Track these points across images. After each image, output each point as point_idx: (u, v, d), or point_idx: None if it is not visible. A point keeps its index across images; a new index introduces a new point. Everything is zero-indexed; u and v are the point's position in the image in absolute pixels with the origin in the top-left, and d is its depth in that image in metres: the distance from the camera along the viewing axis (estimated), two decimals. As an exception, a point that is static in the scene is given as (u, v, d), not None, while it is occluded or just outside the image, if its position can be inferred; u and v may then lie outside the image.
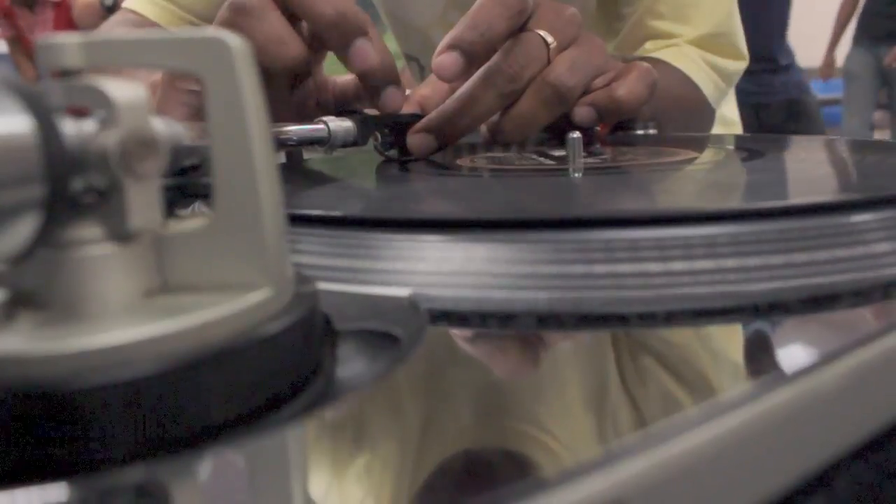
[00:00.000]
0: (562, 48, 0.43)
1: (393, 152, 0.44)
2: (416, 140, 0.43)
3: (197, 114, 0.42)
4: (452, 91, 0.44)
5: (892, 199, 0.23)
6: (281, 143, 0.39)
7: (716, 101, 0.70)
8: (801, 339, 0.19)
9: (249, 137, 0.16)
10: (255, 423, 0.15)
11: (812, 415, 0.16)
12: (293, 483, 0.14)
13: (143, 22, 0.71)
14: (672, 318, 0.20)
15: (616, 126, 0.54)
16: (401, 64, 0.81)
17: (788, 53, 2.60)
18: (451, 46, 0.41)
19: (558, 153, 0.43)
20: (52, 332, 0.14)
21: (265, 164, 0.16)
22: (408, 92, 0.47)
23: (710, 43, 0.70)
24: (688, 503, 0.14)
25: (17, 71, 2.80)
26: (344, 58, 0.42)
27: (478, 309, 0.21)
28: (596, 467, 0.13)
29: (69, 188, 0.15)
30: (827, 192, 0.28)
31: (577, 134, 0.41)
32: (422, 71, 0.82)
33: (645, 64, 0.48)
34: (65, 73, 0.16)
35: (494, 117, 0.44)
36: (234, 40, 0.16)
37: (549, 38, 0.43)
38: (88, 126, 0.15)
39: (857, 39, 3.35)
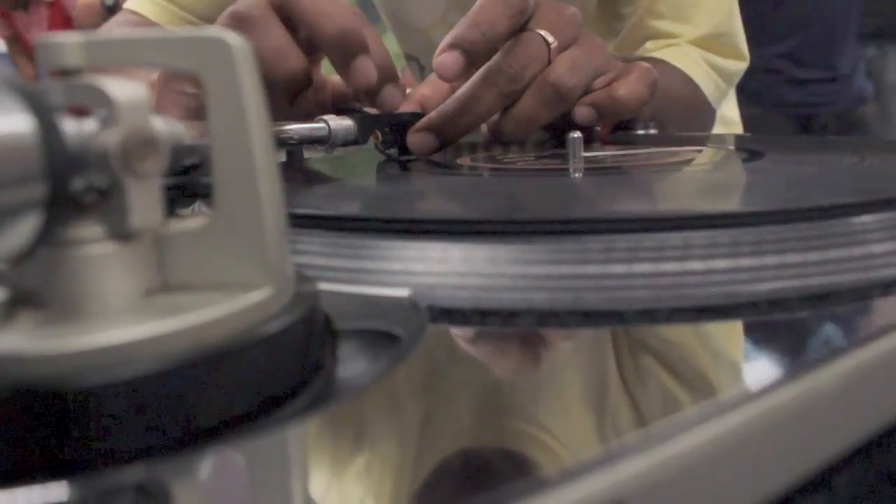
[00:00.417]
0: (562, 48, 0.43)
1: (393, 151, 0.44)
2: (416, 139, 0.43)
3: (192, 115, 0.42)
4: (453, 90, 0.44)
5: (891, 200, 0.23)
6: (281, 142, 0.39)
7: (716, 100, 0.70)
8: (801, 340, 0.19)
9: (250, 137, 0.16)
10: (256, 422, 0.15)
11: (812, 415, 0.16)
12: (293, 482, 0.14)
13: (143, 22, 0.71)
14: (672, 317, 0.20)
15: (616, 126, 0.54)
16: (401, 64, 0.81)
17: (852, 60, 2.32)
18: (453, 46, 0.41)
19: (559, 153, 0.43)
20: (52, 331, 0.14)
21: (265, 163, 0.16)
22: (408, 91, 0.47)
23: (711, 43, 0.70)
24: (688, 503, 0.14)
25: (16, 70, 2.80)
26: (344, 73, 0.42)
27: (478, 308, 0.21)
28: (596, 467, 0.13)
29: (70, 187, 0.15)
30: (826, 193, 0.28)
31: (577, 134, 0.41)
32: (422, 71, 0.82)
33: (645, 64, 0.48)
34: (65, 73, 0.16)
35: (495, 117, 0.44)
36: (234, 39, 0.16)
37: (550, 38, 0.43)
38: (89, 125, 0.15)
39: None
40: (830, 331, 0.20)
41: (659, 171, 0.36)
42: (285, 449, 0.15)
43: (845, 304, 0.20)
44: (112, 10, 2.37)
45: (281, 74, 0.40)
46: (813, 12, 2.04)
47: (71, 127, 0.15)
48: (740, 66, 0.73)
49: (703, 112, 0.70)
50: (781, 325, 0.20)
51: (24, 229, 0.14)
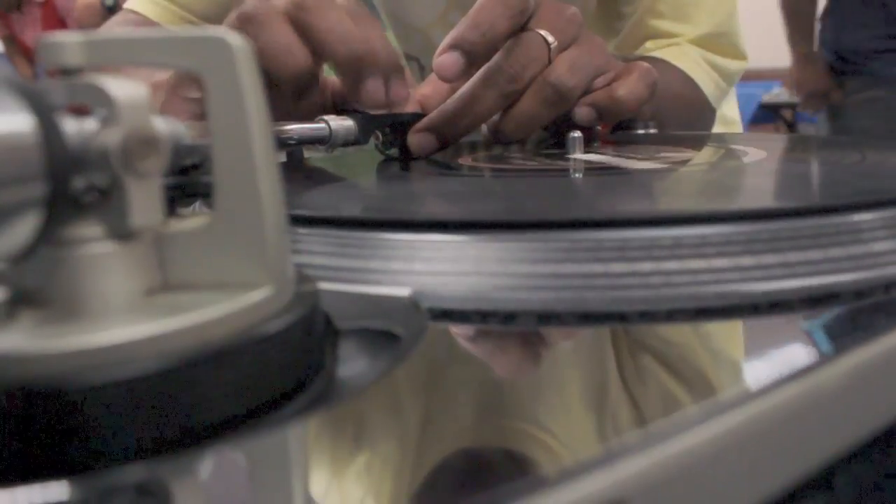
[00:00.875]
0: (563, 48, 0.43)
1: (393, 151, 0.44)
2: (416, 139, 0.43)
3: (198, 119, 0.42)
4: (453, 90, 0.44)
5: (892, 199, 0.23)
6: (282, 143, 0.39)
7: (716, 100, 0.70)
8: (802, 339, 0.19)
9: (250, 136, 0.16)
10: (256, 421, 0.15)
11: (812, 414, 0.16)
12: (294, 481, 0.14)
13: (144, 22, 0.71)
14: (672, 316, 0.20)
15: (617, 125, 0.54)
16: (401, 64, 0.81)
17: None
18: (453, 46, 0.41)
19: (559, 152, 0.43)
20: (53, 331, 0.14)
21: (266, 162, 0.16)
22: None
23: (711, 42, 0.70)
24: (688, 502, 0.14)
25: (14, 70, 2.80)
26: (354, 93, 0.42)
27: (478, 308, 0.21)
28: (596, 466, 0.13)
29: (70, 186, 0.15)
30: (828, 191, 0.28)
31: (577, 133, 0.41)
32: (422, 71, 0.82)
33: (645, 64, 0.48)
34: (66, 72, 0.16)
35: (495, 117, 0.44)
36: (235, 39, 0.16)
37: (550, 38, 0.43)
38: (89, 124, 0.15)
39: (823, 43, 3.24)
40: (831, 330, 0.20)
41: (659, 170, 0.36)
42: (285, 448, 0.15)
43: (846, 303, 0.20)
44: (112, 10, 2.37)
45: (287, 72, 0.40)
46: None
47: (71, 126, 0.15)
48: (740, 65, 0.73)
49: (703, 111, 0.70)
50: (782, 324, 0.20)
51: (25, 228, 0.14)
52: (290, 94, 0.43)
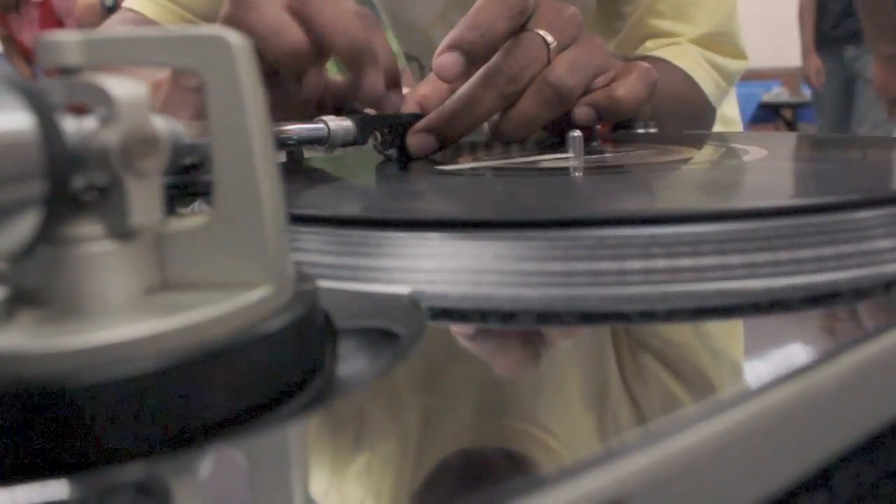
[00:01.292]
0: (562, 48, 0.43)
1: (392, 152, 0.44)
2: (416, 140, 0.43)
3: (201, 114, 0.42)
4: (452, 91, 0.44)
5: (892, 197, 0.23)
6: (281, 143, 0.39)
7: (717, 99, 0.70)
8: (802, 337, 0.19)
9: (250, 135, 0.16)
10: (256, 420, 0.15)
11: (812, 413, 0.16)
12: (293, 480, 0.14)
13: (143, 21, 0.71)
14: (672, 315, 0.20)
15: (616, 125, 0.54)
16: (401, 64, 0.81)
17: None
18: (452, 47, 0.41)
19: (559, 152, 0.43)
20: (52, 329, 0.14)
21: (265, 161, 0.16)
22: (406, 91, 0.47)
23: (711, 42, 0.70)
24: (687, 501, 0.14)
25: (14, 70, 2.80)
26: (353, 83, 0.42)
27: (478, 306, 0.21)
28: (596, 465, 0.13)
29: (70, 185, 0.15)
30: (828, 189, 0.28)
31: (577, 133, 0.41)
32: (422, 70, 0.82)
33: (645, 64, 0.48)
34: (65, 71, 0.16)
35: (495, 117, 0.44)
36: (234, 38, 0.16)
37: (550, 38, 0.43)
38: (89, 123, 0.15)
39: (820, 42, 2.91)
40: (831, 328, 0.20)
41: (659, 169, 0.36)
42: (285, 447, 0.15)
43: (846, 301, 0.20)
44: (112, 10, 2.38)
45: (282, 50, 0.40)
46: None
47: (71, 125, 0.15)
48: (741, 65, 0.73)
49: (703, 111, 0.70)
50: (782, 322, 0.20)
51: (24, 227, 0.14)
52: (289, 77, 0.42)
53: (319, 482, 0.14)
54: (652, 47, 0.70)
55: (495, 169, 0.38)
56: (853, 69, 2.78)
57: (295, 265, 0.18)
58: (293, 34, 0.41)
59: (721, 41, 0.71)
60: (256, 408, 0.15)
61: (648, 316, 0.20)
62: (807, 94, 2.97)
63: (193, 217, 0.17)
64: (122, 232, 0.15)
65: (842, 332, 0.20)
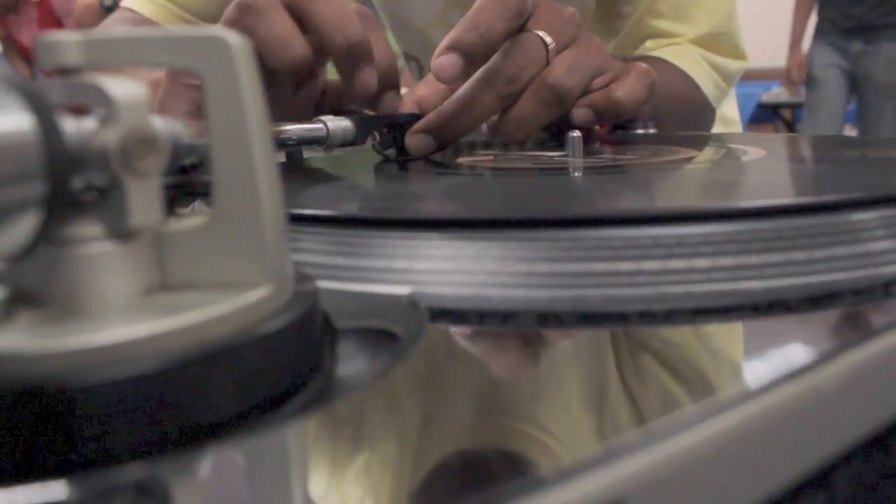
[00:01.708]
0: (561, 48, 0.43)
1: (391, 152, 0.44)
2: (414, 141, 0.43)
3: (199, 109, 0.42)
4: (451, 91, 0.44)
5: (892, 197, 0.23)
6: (280, 143, 0.39)
7: (716, 100, 0.70)
8: (801, 338, 0.19)
9: (249, 135, 0.16)
10: (255, 421, 0.15)
11: (812, 413, 0.16)
12: (293, 481, 0.14)
13: (141, 20, 0.71)
14: (671, 316, 0.20)
15: (616, 125, 0.54)
16: (400, 63, 0.81)
17: None
18: (451, 48, 0.41)
19: (558, 152, 0.43)
20: (51, 330, 0.14)
21: (265, 161, 0.16)
22: (404, 90, 0.47)
23: (711, 42, 0.70)
24: (687, 501, 0.14)
25: (12, 70, 2.80)
26: (347, 81, 0.42)
27: (477, 307, 0.21)
28: (595, 465, 0.13)
29: (69, 186, 0.15)
30: (826, 190, 0.28)
31: (577, 133, 0.41)
32: (420, 70, 0.82)
33: (644, 65, 0.48)
34: (64, 71, 0.16)
35: (494, 117, 0.44)
36: (233, 38, 0.16)
37: (548, 39, 0.43)
38: (89, 124, 0.15)
39: (818, 33, 2.75)
40: (830, 329, 0.20)
41: (659, 170, 0.36)
42: (285, 448, 0.15)
43: (845, 301, 0.20)
44: (111, 10, 2.37)
45: (284, 62, 0.40)
46: None
47: (70, 125, 0.15)
48: (741, 65, 0.73)
49: (703, 111, 0.70)
50: (781, 323, 0.20)
51: (24, 228, 0.14)
52: (288, 84, 0.43)
53: (319, 482, 0.14)
54: (651, 47, 0.70)
55: (494, 169, 0.38)
56: (858, 66, 2.64)
57: (294, 265, 0.18)
58: (298, 47, 0.40)
59: (721, 41, 0.71)
60: (256, 408, 0.15)
61: (648, 317, 0.20)
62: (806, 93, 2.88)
63: (193, 217, 0.17)
64: (121, 232, 0.15)
65: (842, 333, 0.20)
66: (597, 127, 0.49)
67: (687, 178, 0.34)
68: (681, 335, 0.20)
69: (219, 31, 0.16)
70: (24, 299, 0.15)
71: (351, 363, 0.18)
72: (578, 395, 0.17)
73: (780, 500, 0.15)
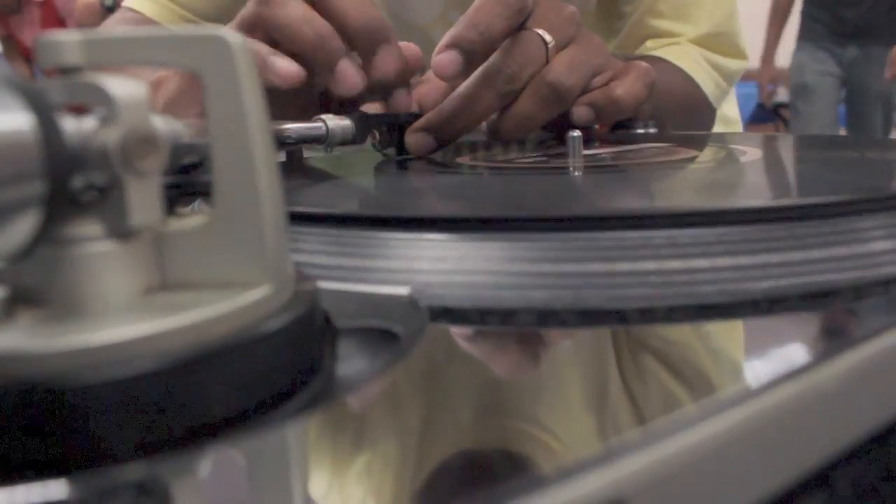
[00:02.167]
0: (560, 47, 0.43)
1: (391, 151, 0.44)
2: (414, 139, 0.43)
3: None
4: (451, 89, 0.44)
5: (892, 198, 0.23)
6: (280, 142, 0.39)
7: (717, 99, 0.70)
8: (801, 337, 0.19)
9: (249, 135, 0.16)
10: (255, 420, 0.15)
11: (812, 412, 0.16)
12: (293, 480, 0.14)
13: (143, 20, 0.71)
14: (672, 315, 0.20)
15: (616, 124, 0.54)
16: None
17: None
18: (451, 46, 0.41)
19: (558, 151, 0.43)
20: (51, 329, 0.14)
21: (265, 161, 0.16)
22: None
23: (712, 42, 0.70)
24: (687, 501, 0.14)
25: (11, 70, 2.79)
26: (367, 62, 0.42)
27: (478, 306, 0.21)
28: (595, 465, 0.13)
29: (70, 185, 0.15)
30: (827, 191, 0.28)
31: (576, 132, 0.41)
32: (421, 71, 0.82)
33: (644, 64, 0.48)
34: (64, 71, 0.16)
35: (494, 116, 0.44)
36: (234, 38, 0.16)
37: (548, 37, 0.43)
38: (89, 123, 0.15)
39: (807, 37, 2.50)
40: (830, 328, 0.20)
41: (658, 170, 0.36)
42: (285, 447, 0.15)
43: (845, 302, 0.20)
44: (111, 10, 2.37)
45: (308, 39, 0.40)
46: None
47: (70, 125, 0.15)
48: (741, 65, 0.73)
49: (703, 111, 0.70)
50: (781, 322, 0.20)
51: (24, 227, 0.14)
52: (323, 68, 0.42)
53: (319, 482, 0.14)
54: (652, 47, 0.70)
55: (493, 168, 0.38)
56: (852, 74, 2.46)
57: (294, 265, 0.18)
58: (318, 22, 0.40)
59: (721, 41, 0.71)
60: (256, 408, 0.15)
61: (648, 316, 0.20)
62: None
63: (193, 217, 0.17)
64: (121, 232, 0.15)
65: (842, 332, 0.20)
66: (596, 126, 0.49)
67: (687, 179, 0.34)
68: (681, 335, 0.20)
69: (219, 30, 0.16)
70: (25, 299, 0.15)
71: (351, 363, 0.18)
72: (579, 395, 0.17)
73: (780, 500, 0.15)
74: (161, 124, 0.16)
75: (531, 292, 0.21)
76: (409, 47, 0.43)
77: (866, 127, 2.46)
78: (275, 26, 0.40)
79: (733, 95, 0.83)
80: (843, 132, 2.60)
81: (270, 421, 0.15)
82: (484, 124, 0.46)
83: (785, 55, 2.64)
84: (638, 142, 0.48)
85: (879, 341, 0.18)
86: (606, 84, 0.46)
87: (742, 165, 0.36)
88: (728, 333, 0.20)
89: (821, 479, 0.16)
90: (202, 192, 0.32)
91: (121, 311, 0.15)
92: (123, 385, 0.13)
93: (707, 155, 0.41)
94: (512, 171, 0.37)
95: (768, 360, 0.18)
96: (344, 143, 0.41)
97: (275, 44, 0.41)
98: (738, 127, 0.85)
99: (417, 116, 0.44)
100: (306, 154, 0.44)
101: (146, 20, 0.71)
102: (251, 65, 0.16)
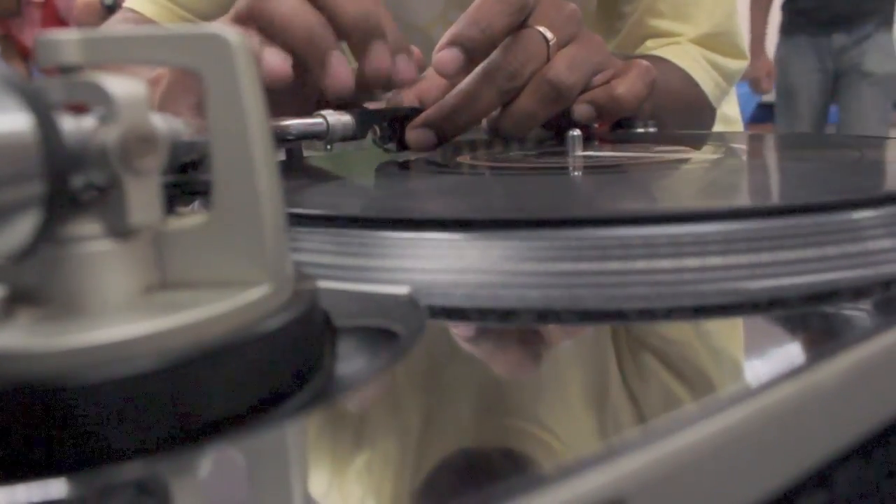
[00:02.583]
0: (561, 45, 0.43)
1: (391, 146, 0.44)
2: (415, 135, 0.43)
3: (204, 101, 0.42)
4: (452, 85, 0.44)
5: (891, 196, 0.23)
6: (280, 138, 0.39)
7: (716, 99, 0.70)
8: (801, 336, 0.19)
9: (249, 134, 0.16)
10: (255, 419, 0.15)
11: (812, 412, 0.16)
12: (293, 480, 0.14)
13: (143, 21, 0.71)
14: (672, 314, 0.20)
15: (616, 123, 0.54)
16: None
17: None
18: (452, 43, 0.41)
19: (558, 150, 0.43)
20: (51, 328, 0.14)
21: (264, 160, 0.16)
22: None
23: (712, 41, 0.70)
24: (687, 500, 0.14)
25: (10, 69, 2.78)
26: (360, 56, 0.42)
27: (477, 305, 0.21)
28: (595, 464, 0.13)
29: (69, 185, 0.15)
30: (827, 189, 0.28)
31: (576, 131, 0.41)
32: (421, 69, 0.82)
33: (644, 62, 0.48)
34: (64, 70, 0.16)
35: (495, 113, 0.44)
36: (233, 37, 0.16)
37: (549, 35, 0.43)
38: (88, 122, 0.15)
39: (788, 31, 2.28)
40: (830, 327, 0.20)
41: (658, 169, 0.36)
42: (284, 446, 0.15)
43: (845, 300, 0.20)
44: (111, 9, 2.37)
45: (301, 32, 0.40)
46: None
47: (70, 124, 0.15)
48: (741, 64, 0.73)
49: (703, 111, 0.70)
50: (781, 321, 0.20)
51: (24, 227, 0.14)
52: (313, 63, 0.41)
53: (319, 481, 0.14)
54: (652, 47, 0.70)
55: (494, 168, 0.38)
56: (840, 62, 2.27)
57: (294, 264, 0.18)
58: (314, 19, 0.40)
59: (721, 41, 0.71)
60: (256, 407, 0.15)
61: (648, 315, 0.20)
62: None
63: (192, 216, 0.17)
64: (121, 231, 0.15)
65: (842, 332, 0.20)
66: (596, 125, 0.49)
67: (687, 178, 0.34)
68: (681, 334, 0.20)
69: (219, 29, 0.16)
70: (24, 298, 0.15)
71: (351, 362, 0.18)
72: (579, 394, 0.17)
73: (780, 500, 0.15)
74: (160, 123, 0.16)
75: (531, 292, 0.21)
76: (412, 50, 0.43)
77: (867, 114, 2.25)
78: (268, 20, 0.40)
79: (734, 95, 0.83)
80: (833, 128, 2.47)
81: (270, 420, 0.15)
82: (484, 122, 0.46)
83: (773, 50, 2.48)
84: (638, 141, 0.48)
85: (879, 341, 0.18)
86: (607, 82, 0.46)
87: (742, 164, 0.36)
88: (728, 333, 0.20)
89: (821, 479, 0.16)
90: (202, 191, 0.32)
91: (120, 310, 0.15)
92: (123, 384, 0.13)
93: (707, 154, 0.41)
94: (512, 170, 0.37)
95: (768, 360, 0.18)
96: (344, 138, 0.41)
97: (270, 38, 0.40)
98: (739, 126, 0.85)
99: (418, 112, 0.44)
100: (306, 152, 0.44)
101: (146, 21, 0.71)
102: (251, 63, 0.16)
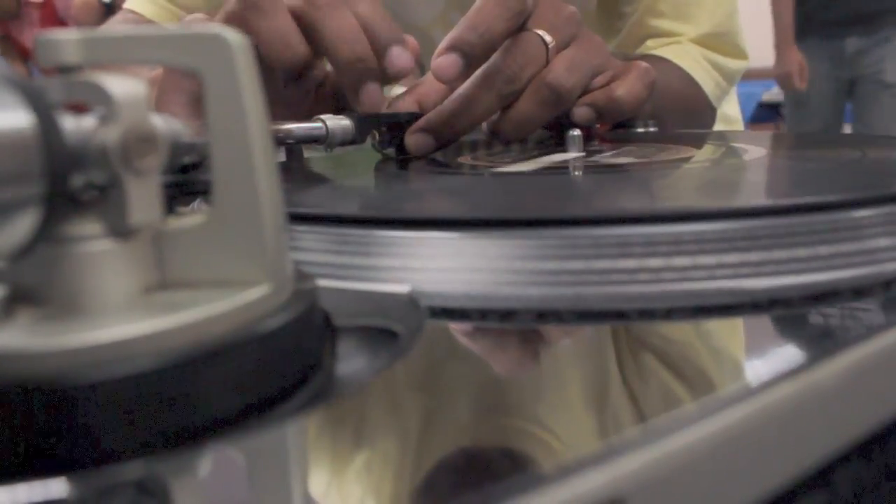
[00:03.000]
0: (561, 47, 0.43)
1: (391, 151, 0.44)
2: (414, 140, 0.43)
3: (198, 100, 0.42)
4: (451, 89, 0.44)
5: (892, 196, 0.23)
6: (280, 142, 0.39)
7: (717, 99, 0.70)
8: (801, 336, 0.19)
9: (249, 134, 0.16)
10: (255, 419, 0.15)
11: (812, 411, 0.16)
12: (293, 480, 0.14)
13: (142, 22, 0.72)
14: (672, 313, 0.20)
15: (617, 124, 0.54)
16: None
17: None
18: (451, 48, 0.41)
19: (558, 151, 0.43)
20: (51, 328, 0.14)
21: (264, 160, 0.16)
22: (403, 90, 0.47)
23: (712, 41, 0.70)
24: (687, 500, 0.14)
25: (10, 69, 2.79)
26: (353, 97, 0.42)
27: (477, 305, 0.21)
28: (594, 463, 0.13)
29: (69, 184, 0.15)
30: (827, 188, 0.28)
31: (577, 132, 0.41)
32: (422, 71, 0.82)
33: (644, 63, 0.48)
34: (64, 69, 0.16)
35: (494, 116, 0.44)
36: (233, 37, 0.16)
37: (548, 38, 0.43)
38: (88, 122, 0.15)
39: (798, 34, 2.11)
40: (830, 326, 0.20)
41: (659, 169, 0.36)
42: (284, 446, 0.15)
43: (846, 299, 0.20)
44: (111, 9, 2.37)
45: (282, 62, 0.41)
46: None
47: (70, 124, 0.15)
48: (741, 64, 0.73)
49: (703, 111, 0.70)
50: (781, 320, 0.20)
51: (23, 226, 0.14)
52: (283, 80, 0.43)
53: (319, 481, 0.14)
54: (652, 46, 0.70)
55: (494, 168, 0.38)
56: (856, 68, 2.09)
57: (294, 264, 0.18)
58: (298, 46, 0.40)
59: (721, 41, 0.71)
60: (255, 407, 0.15)
61: (648, 314, 0.20)
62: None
63: (192, 216, 0.17)
64: (121, 231, 0.15)
65: (842, 331, 0.20)
66: (597, 126, 0.49)
67: (687, 177, 0.34)
68: (681, 333, 0.20)
69: (218, 29, 0.16)
70: (24, 297, 0.15)
71: (351, 361, 0.18)
72: (579, 394, 0.17)
73: (780, 499, 0.15)
74: (160, 123, 0.16)
75: (531, 291, 0.21)
76: (407, 40, 0.43)
77: (887, 122, 2.06)
78: (254, 35, 0.40)
79: (734, 94, 0.83)
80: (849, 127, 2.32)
81: (270, 419, 0.15)
82: (484, 125, 0.46)
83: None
84: (638, 141, 0.48)
85: (879, 341, 0.18)
86: (607, 84, 0.46)
87: (743, 163, 0.36)
88: (728, 332, 0.20)
89: (821, 478, 0.16)
90: (202, 191, 0.32)
91: (120, 310, 0.15)
92: (123, 383, 0.13)
93: (707, 153, 0.41)
94: (512, 171, 0.37)
95: (768, 360, 0.18)
96: (344, 143, 0.41)
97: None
98: (740, 126, 0.85)
99: (417, 117, 0.44)
100: (306, 154, 0.44)
101: (146, 22, 0.71)
102: (251, 63, 0.16)
